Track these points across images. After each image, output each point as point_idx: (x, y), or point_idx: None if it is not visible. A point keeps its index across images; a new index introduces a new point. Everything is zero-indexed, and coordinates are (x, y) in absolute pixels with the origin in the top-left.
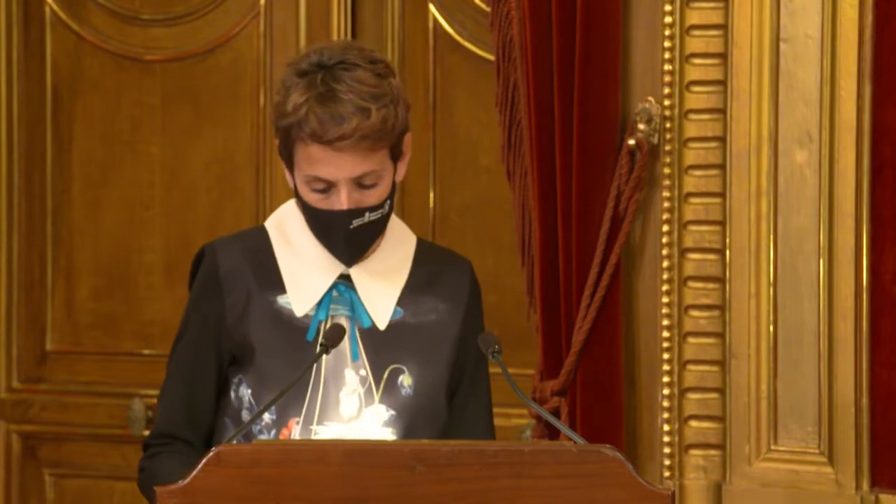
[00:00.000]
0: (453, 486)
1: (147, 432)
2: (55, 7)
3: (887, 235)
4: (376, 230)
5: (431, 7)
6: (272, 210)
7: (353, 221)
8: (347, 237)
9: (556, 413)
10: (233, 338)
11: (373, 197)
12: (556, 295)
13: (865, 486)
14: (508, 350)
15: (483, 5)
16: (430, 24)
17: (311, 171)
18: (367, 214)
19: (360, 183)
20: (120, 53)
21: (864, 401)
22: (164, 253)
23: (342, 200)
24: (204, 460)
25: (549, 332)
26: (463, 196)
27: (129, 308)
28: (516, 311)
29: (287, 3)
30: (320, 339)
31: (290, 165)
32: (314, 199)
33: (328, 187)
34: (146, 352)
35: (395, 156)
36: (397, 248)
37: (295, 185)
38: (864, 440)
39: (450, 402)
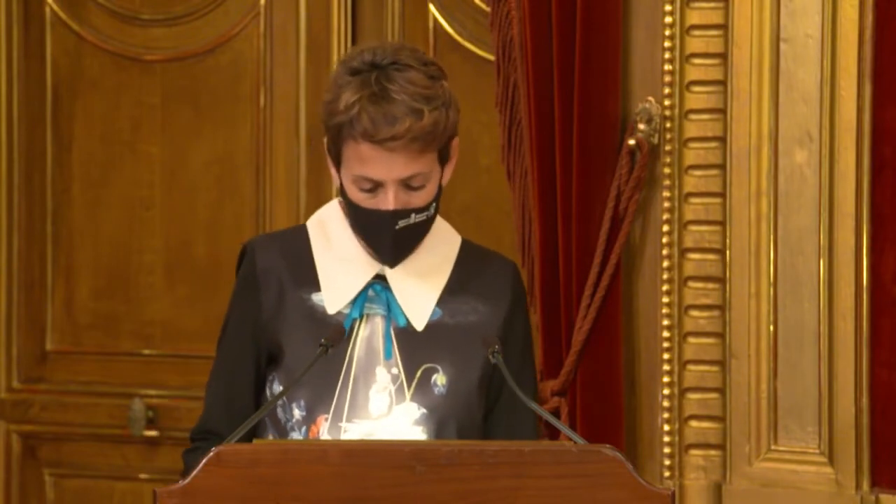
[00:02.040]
0: (453, 486)
1: (147, 432)
2: (55, 7)
3: (887, 235)
4: (421, 232)
5: (431, 7)
6: (272, 210)
7: (399, 222)
8: (393, 237)
9: (556, 413)
10: (268, 335)
11: (420, 199)
12: (556, 295)
13: (865, 486)
14: None
15: (483, 5)
16: (430, 24)
17: (360, 171)
18: (413, 216)
19: (407, 184)
20: (120, 53)
21: (864, 401)
22: (164, 253)
23: (389, 201)
24: (204, 460)
25: (549, 332)
26: (463, 196)
27: (129, 308)
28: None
29: (287, 3)
30: (321, 339)
31: (338, 163)
32: (361, 197)
33: (375, 187)
34: (146, 352)
35: (443, 159)
36: (437, 248)
37: (341, 183)
38: (864, 440)
39: (490, 404)
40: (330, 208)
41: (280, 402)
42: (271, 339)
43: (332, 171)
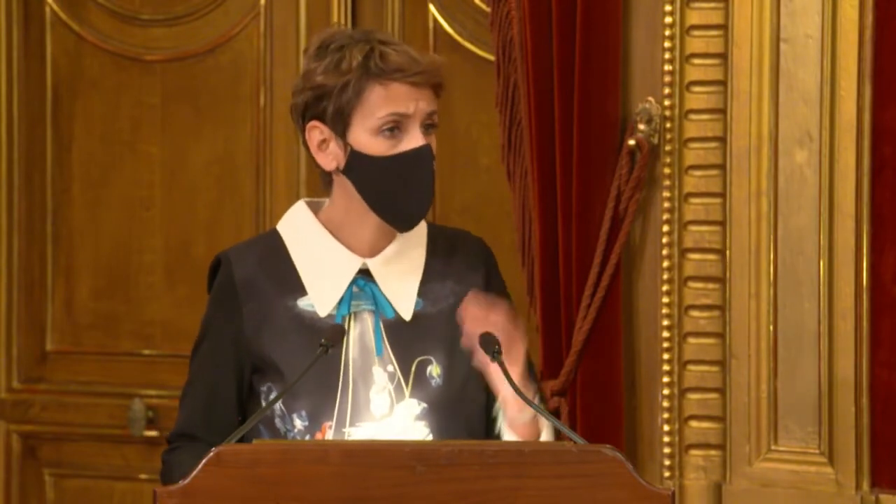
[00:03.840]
0: (453, 486)
1: (147, 432)
2: (55, 7)
3: (887, 235)
4: (433, 188)
5: (431, 7)
6: (272, 210)
7: (433, 160)
8: (431, 175)
9: (556, 413)
10: (251, 348)
11: (433, 146)
12: (556, 295)
13: (865, 486)
14: None
15: (483, 5)
16: (430, 24)
17: (391, 108)
18: (433, 161)
19: (426, 125)
20: (120, 53)
21: (864, 401)
22: (164, 253)
23: (419, 137)
24: (204, 460)
25: (549, 332)
26: (463, 196)
27: (129, 308)
28: (516, 311)
29: (287, 3)
30: (321, 340)
31: (346, 127)
32: (385, 147)
33: (401, 129)
34: (146, 352)
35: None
36: (411, 236)
37: (350, 154)
38: (864, 440)
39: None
40: (297, 210)
41: (279, 412)
42: (257, 352)
43: (319, 156)
